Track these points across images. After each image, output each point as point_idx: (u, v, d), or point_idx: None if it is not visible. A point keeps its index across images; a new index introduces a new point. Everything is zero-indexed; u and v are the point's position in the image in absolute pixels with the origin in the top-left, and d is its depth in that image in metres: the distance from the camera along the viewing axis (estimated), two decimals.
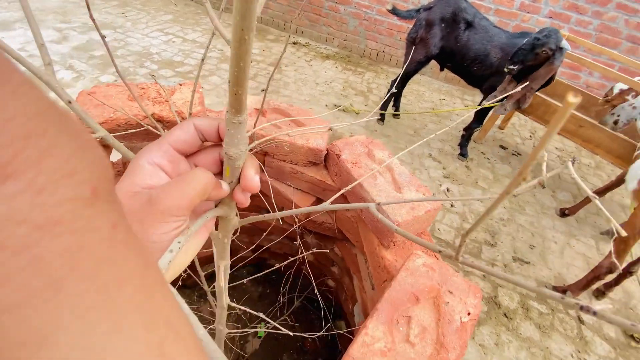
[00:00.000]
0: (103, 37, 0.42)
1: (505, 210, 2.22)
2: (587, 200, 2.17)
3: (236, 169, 0.30)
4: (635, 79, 1.96)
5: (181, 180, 0.24)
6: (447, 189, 0.34)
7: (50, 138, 0.09)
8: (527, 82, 1.18)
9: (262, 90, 0.96)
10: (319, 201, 1.13)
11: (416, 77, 3.22)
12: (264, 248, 1.35)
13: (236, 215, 0.38)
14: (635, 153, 1.89)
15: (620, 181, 2.06)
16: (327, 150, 1.00)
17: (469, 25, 2.16)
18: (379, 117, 2.79)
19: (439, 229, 1.99)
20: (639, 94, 2.01)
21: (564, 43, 1.85)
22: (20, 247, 0.08)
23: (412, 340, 0.56)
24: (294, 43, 3.81)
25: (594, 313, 0.17)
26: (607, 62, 2.87)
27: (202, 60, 0.48)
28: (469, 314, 0.54)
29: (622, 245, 1.55)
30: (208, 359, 0.19)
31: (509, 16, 3.15)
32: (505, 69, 1.94)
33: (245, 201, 0.31)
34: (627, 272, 1.65)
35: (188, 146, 0.28)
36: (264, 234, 1.11)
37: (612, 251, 1.64)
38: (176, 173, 0.27)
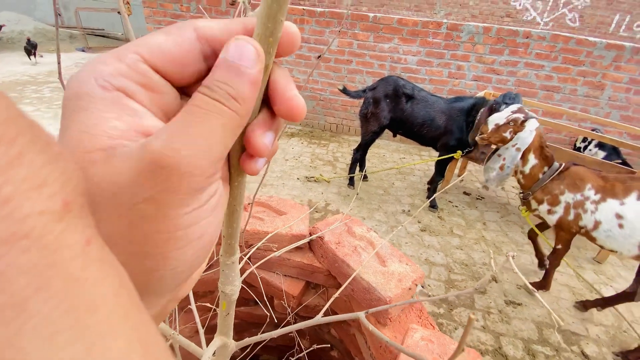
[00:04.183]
0: None
1: (484, 254, 2.29)
2: (535, 238, 2.14)
3: (232, 303, 0.34)
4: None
5: (194, 114, 0.14)
6: (422, 286, 0.40)
7: (19, 147, 0.08)
8: None
9: (249, 204, 1.04)
10: (308, 284, 1.13)
11: (375, 142, 3.52)
12: (257, 344, 1.28)
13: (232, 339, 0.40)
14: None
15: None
16: (310, 233, 1.04)
17: (410, 97, 2.52)
18: (350, 183, 2.95)
19: (429, 285, 2.00)
20: (517, 130, 1.72)
21: None
22: None
23: None
24: None
25: None
26: (530, 109, 3.34)
27: None
28: None
29: None
30: None
31: (441, 83, 3.67)
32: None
33: (265, 150, 0.18)
34: None
35: (176, 64, 0.16)
36: (260, 333, 1.07)
37: None
38: (159, 107, 0.16)
